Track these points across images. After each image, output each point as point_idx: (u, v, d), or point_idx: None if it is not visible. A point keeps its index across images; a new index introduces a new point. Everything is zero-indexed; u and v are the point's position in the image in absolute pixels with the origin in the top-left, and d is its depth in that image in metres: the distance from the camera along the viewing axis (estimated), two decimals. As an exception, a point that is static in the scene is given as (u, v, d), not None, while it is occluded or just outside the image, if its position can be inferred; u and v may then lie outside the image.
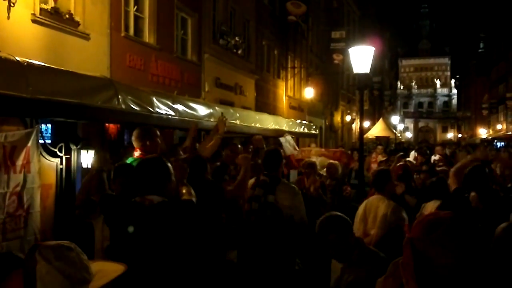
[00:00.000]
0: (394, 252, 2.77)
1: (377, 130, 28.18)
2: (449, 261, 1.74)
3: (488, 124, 67.71)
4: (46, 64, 4.53)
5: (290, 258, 4.49)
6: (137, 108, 5.22)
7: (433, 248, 1.77)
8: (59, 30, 9.29)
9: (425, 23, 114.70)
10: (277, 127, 11.28)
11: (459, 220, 1.85)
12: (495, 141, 43.82)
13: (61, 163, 4.70)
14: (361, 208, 4.82)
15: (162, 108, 5.73)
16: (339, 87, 36.97)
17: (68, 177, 4.75)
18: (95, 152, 6.75)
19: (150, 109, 5.49)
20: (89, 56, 9.98)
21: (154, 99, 5.70)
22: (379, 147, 13.69)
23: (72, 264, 1.76)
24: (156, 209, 2.91)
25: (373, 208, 4.69)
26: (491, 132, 60.69)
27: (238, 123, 8.48)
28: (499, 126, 57.74)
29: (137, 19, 12.48)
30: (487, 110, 66.39)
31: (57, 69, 4.64)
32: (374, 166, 10.82)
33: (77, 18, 9.79)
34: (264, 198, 4.44)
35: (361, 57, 9.53)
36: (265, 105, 21.08)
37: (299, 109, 26.68)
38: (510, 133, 45.14)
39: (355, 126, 39.98)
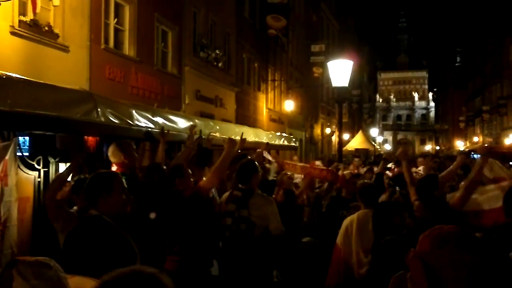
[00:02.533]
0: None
1: (356, 142, 28.48)
2: (460, 275, 1.77)
3: (465, 136, 68.86)
4: (25, 77, 4.52)
5: (267, 271, 4.50)
6: (116, 121, 5.22)
7: (444, 262, 1.80)
8: (38, 42, 9.25)
9: (403, 37, 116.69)
10: (257, 139, 11.32)
11: (468, 234, 1.89)
12: (472, 153, 44.50)
13: (39, 176, 4.67)
14: (353, 222, 4.74)
15: (141, 121, 5.73)
16: (319, 100, 37.27)
17: (46, 191, 4.72)
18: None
19: (130, 122, 5.49)
20: (69, 69, 9.94)
21: (134, 112, 5.70)
22: (356, 159, 13.70)
23: (50, 284, 1.72)
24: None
25: (367, 222, 4.63)
26: (468, 144, 61.64)
27: (218, 135, 8.49)
28: (475, 139, 58.73)
29: (117, 31, 12.48)
30: (464, 122, 67.60)
31: (36, 82, 4.63)
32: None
33: (56, 31, 9.77)
34: (238, 213, 4.45)
35: (340, 71, 9.70)
36: (246, 117, 21.15)
37: (280, 121, 26.82)
38: (487, 145, 45.89)
39: (335, 139, 40.26)
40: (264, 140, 11.76)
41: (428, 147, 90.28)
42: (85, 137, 7.03)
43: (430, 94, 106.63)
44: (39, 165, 4.68)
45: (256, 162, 4.92)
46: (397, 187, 6.72)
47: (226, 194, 4.74)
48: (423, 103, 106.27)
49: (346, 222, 4.84)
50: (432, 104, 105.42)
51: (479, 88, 59.05)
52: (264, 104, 24.78)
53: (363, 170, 12.52)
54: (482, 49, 57.25)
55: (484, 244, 1.87)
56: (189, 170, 4.60)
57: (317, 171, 8.10)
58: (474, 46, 66.11)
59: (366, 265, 4.39)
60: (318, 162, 11.03)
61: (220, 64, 18.11)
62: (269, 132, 14.41)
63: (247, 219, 4.41)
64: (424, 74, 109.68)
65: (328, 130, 38.68)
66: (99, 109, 5.01)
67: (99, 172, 3.33)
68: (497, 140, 46.09)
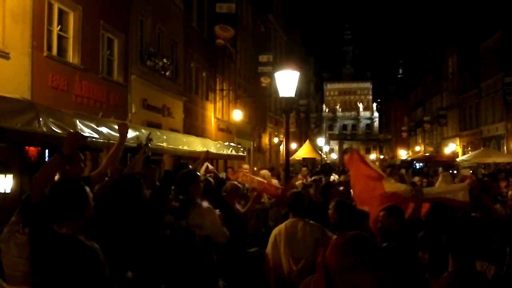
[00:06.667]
0: None
1: (303, 151, 28.91)
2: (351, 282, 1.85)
3: (407, 146, 71.24)
4: (-39, 85, 4.36)
5: (211, 280, 4.47)
6: (59, 131, 5.10)
7: (338, 269, 1.87)
8: (-24, 49, 8.90)
9: (348, 49, 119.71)
10: (204, 149, 11.29)
11: (366, 241, 1.96)
12: (414, 161, 46.10)
13: (-24, 188, 4.49)
14: (281, 232, 4.82)
15: (85, 131, 5.61)
16: (267, 109, 37.61)
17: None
18: (13, 176, 6.48)
19: (73, 131, 5.37)
20: (9, 76, 9.60)
21: (77, 121, 5.59)
22: (304, 168, 13.92)
23: None
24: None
25: (295, 231, 4.77)
26: (410, 153, 63.81)
27: (165, 145, 8.43)
28: (417, 148, 60.86)
29: (61, 38, 12.17)
30: (406, 132, 69.86)
31: (-27, 90, 4.46)
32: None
33: (-4, 37, 9.43)
34: (177, 224, 4.41)
35: (287, 81, 9.81)
36: (194, 127, 21.05)
37: (228, 131, 26.84)
38: (428, 154, 47.70)
39: (283, 148, 40.68)
40: (212, 150, 11.76)
41: (373, 156, 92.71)
42: (26, 147, 6.82)
43: (374, 105, 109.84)
44: (-24, 176, 4.50)
45: (197, 172, 4.88)
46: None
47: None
48: (367, 113, 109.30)
49: (274, 231, 4.90)
50: (376, 114, 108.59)
51: (420, 99, 61.25)
52: (212, 113, 24.76)
53: (310, 179, 12.75)
54: (423, 61, 59.49)
55: (382, 252, 1.98)
56: None
57: (273, 188, 8.09)
58: (415, 59, 68.66)
59: (296, 272, 4.51)
60: (264, 171, 11.08)
61: (167, 73, 17.96)
62: (217, 142, 14.41)
63: (186, 230, 4.37)
64: (368, 85, 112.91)
65: (276, 140, 39.05)
66: (40, 119, 4.88)
67: None
68: (438, 149, 47.91)
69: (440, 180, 7.32)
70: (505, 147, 30.93)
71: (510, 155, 27.46)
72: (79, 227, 2.87)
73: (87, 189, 3.00)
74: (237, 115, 26.83)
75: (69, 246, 2.76)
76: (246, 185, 8.15)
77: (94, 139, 5.72)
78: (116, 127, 6.42)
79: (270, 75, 28.17)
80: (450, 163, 30.91)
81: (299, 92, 34.40)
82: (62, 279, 2.69)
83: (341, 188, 7.60)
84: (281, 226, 4.88)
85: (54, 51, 11.75)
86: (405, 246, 3.78)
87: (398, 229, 4.22)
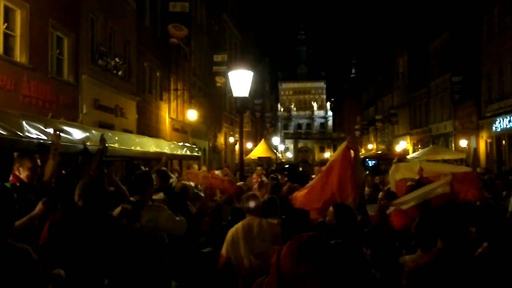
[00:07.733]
0: None
1: (258, 151, 28.98)
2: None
3: (360, 144, 72.48)
4: None
5: (164, 281, 4.43)
6: (3, 133, 4.92)
7: (292, 272, 1.88)
8: None
9: (302, 49, 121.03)
10: (158, 150, 11.16)
11: (321, 243, 1.97)
12: (367, 159, 47.05)
13: None
14: (239, 231, 4.89)
15: (32, 132, 5.43)
16: (222, 109, 37.55)
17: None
18: (-44, 180, 6.21)
19: (19, 133, 5.20)
20: (-49, 76, 9.22)
21: (24, 122, 5.40)
22: (258, 168, 14.06)
23: None
24: None
25: (251, 228, 4.84)
26: (363, 151, 65.01)
27: (117, 146, 8.26)
28: (370, 146, 62.12)
29: (7, 37, 11.78)
30: (359, 131, 71.19)
31: None
32: (255, 187, 11.09)
33: None
34: (130, 227, 4.35)
35: (241, 81, 9.84)
36: (148, 127, 20.78)
37: (183, 131, 26.65)
38: (380, 152, 48.79)
39: (238, 147, 40.72)
40: (166, 150, 11.64)
41: (327, 154, 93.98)
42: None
43: (328, 104, 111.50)
44: None
45: (150, 174, 4.84)
46: None
47: (118, 209, 4.61)
48: (321, 112, 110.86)
49: (231, 231, 4.96)
50: (330, 113, 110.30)
51: (372, 98, 62.56)
52: (166, 113, 24.52)
53: (265, 178, 12.84)
54: (375, 61, 60.78)
55: (336, 254, 2.00)
56: None
57: (219, 181, 8.17)
58: (367, 59, 70.09)
59: (259, 267, 4.56)
60: (217, 172, 11.11)
61: (120, 73, 17.65)
62: (171, 142, 14.25)
63: (140, 232, 4.32)
64: (322, 84, 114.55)
65: (231, 139, 39.04)
66: (-16, 120, 4.71)
67: None
68: (389, 147, 49.07)
69: (392, 169, 7.47)
70: (453, 145, 32.01)
71: (457, 152, 28.41)
72: (5, 231, 2.79)
73: (15, 195, 2.93)
74: (192, 115, 26.68)
75: None
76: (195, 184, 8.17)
77: (42, 141, 5.54)
78: (65, 127, 6.26)
79: (225, 75, 28.08)
80: (401, 160, 31.67)
81: (253, 92, 34.53)
82: None
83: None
84: (238, 225, 4.98)
85: (0, 50, 11.36)
86: (349, 243, 3.87)
87: (340, 228, 4.31)
